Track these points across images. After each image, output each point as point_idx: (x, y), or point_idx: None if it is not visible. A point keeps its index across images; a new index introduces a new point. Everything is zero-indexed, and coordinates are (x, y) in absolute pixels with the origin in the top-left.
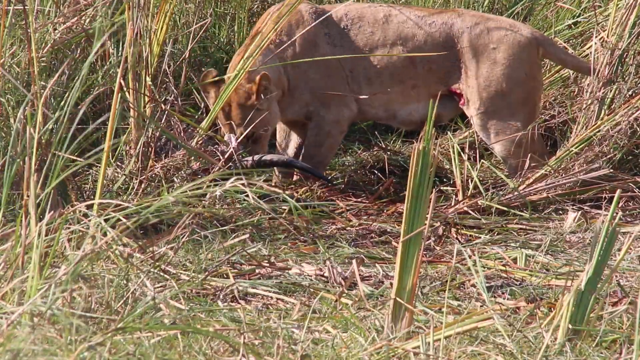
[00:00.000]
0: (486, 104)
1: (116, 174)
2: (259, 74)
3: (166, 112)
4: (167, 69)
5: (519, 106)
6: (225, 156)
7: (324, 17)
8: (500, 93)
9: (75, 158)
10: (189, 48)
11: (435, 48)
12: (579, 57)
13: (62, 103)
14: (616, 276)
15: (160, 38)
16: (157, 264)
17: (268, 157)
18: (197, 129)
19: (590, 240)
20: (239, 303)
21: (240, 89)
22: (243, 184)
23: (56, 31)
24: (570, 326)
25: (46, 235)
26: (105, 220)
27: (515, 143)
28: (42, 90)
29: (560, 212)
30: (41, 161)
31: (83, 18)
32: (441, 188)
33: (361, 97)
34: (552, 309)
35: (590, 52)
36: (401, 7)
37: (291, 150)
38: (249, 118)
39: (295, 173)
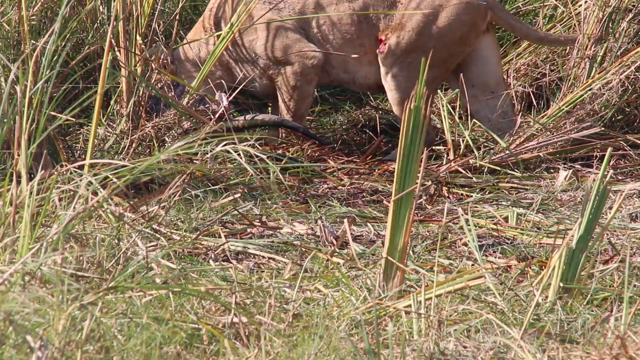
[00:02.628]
0: (405, 54)
1: (107, 134)
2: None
3: (157, 71)
4: (157, 27)
5: (433, 64)
6: (217, 116)
7: None
8: (425, 49)
9: (63, 116)
10: (180, 6)
11: (381, 3)
12: (528, 25)
13: (52, 61)
14: (607, 234)
15: None
16: (149, 223)
17: (259, 116)
18: (188, 88)
19: (581, 198)
20: (230, 262)
21: None
22: (234, 147)
23: None
24: (561, 284)
25: (37, 195)
26: (97, 180)
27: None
28: (32, 50)
29: (552, 170)
30: (32, 120)
31: None
32: (432, 147)
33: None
34: (543, 267)
35: (582, 10)
36: None
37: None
38: None
39: (282, 132)
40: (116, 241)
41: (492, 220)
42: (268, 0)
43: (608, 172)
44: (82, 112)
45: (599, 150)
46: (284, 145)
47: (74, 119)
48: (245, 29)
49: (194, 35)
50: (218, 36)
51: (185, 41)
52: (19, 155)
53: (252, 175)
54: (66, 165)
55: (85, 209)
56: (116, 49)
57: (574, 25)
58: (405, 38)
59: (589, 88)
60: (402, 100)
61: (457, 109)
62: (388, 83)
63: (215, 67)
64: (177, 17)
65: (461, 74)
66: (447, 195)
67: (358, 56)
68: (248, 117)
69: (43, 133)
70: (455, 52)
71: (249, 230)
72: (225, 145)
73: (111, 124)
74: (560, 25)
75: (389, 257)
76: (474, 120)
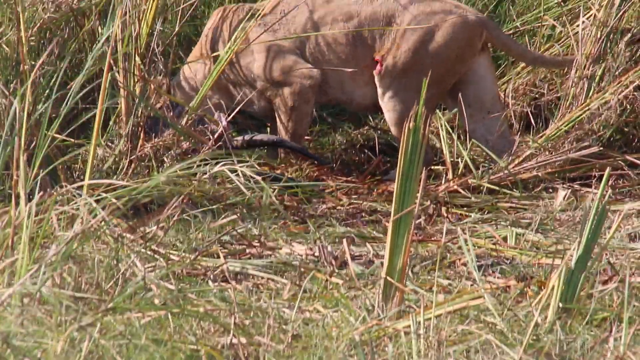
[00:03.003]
0: (401, 74)
1: (106, 154)
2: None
3: (156, 91)
4: (156, 48)
5: (431, 84)
6: (215, 136)
7: (254, 8)
8: (422, 69)
9: (64, 137)
10: (178, 27)
11: (376, 24)
12: (524, 45)
13: (51, 83)
14: (606, 254)
15: (150, 17)
16: (148, 244)
17: (258, 137)
18: (187, 109)
19: (580, 218)
20: (229, 283)
21: None
22: (232, 168)
23: (45, 10)
24: (560, 304)
25: (36, 216)
26: (96, 201)
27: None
28: (31, 70)
29: (551, 190)
30: (30, 141)
31: None
32: (431, 167)
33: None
34: (543, 287)
35: (580, 30)
36: None
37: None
38: None
39: (280, 152)
40: (115, 262)
41: (491, 240)
42: (263, 22)
43: (607, 191)
44: (81, 132)
45: (597, 170)
46: (283, 165)
47: (72, 140)
48: (242, 51)
49: (192, 59)
50: (215, 58)
51: (183, 66)
52: (18, 176)
53: (250, 195)
54: (65, 186)
55: (84, 230)
56: (115, 69)
57: (572, 45)
58: (402, 58)
59: (587, 108)
60: (399, 120)
61: (456, 129)
62: (385, 104)
63: (213, 90)
64: (176, 37)
65: (459, 94)
66: (446, 215)
67: (355, 75)
68: (247, 137)
69: (39, 154)
70: (451, 71)
71: (247, 250)
72: (223, 165)
73: (110, 144)
74: (559, 44)
75: (388, 278)
76: (472, 139)
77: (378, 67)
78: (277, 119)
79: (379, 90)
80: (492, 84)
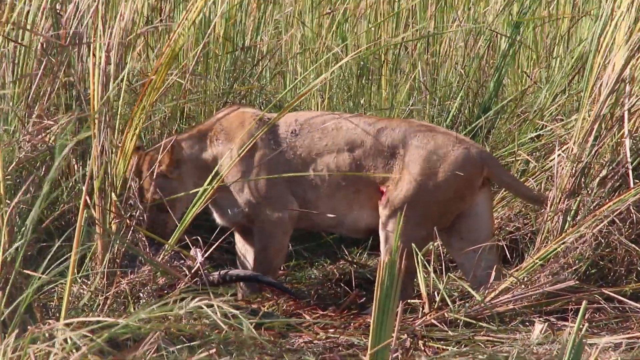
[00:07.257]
0: (403, 207)
1: (82, 291)
2: (171, 143)
3: (132, 227)
4: (133, 185)
5: (429, 219)
6: (192, 271)
7: (269, 122)
8: (423, 203)
9: (40, 275)
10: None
11: (380, 154)
12: (523, 183)
13: (26, 221)
14: None
15: (127, 154)
16: None
17: (234, 272)
18: (164, 245)
19: (557, 352)
20: None
21: (153, 156)
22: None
23: (21, 149)
24: None
25: (13, 354)
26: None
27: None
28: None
29: (527, 323)
30: (6, 279)
31: (48, 136)
32: (408, 300)
33: (297, 209)
34: None
35: (554, 164)
36: (350, 115)
37: (250, 259)
38: (159, 186)
39: (261, 286)
40: None
41: None
42: (272, 137)
43: (583, 325)
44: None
45: (574, 304)
46: (259, 299)
47: (49, 277)
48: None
49: (199, 138)
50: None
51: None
52: None
53: (226, 330)
54: (48, 324)
55: None
56: (91, 206)
57: (545, 179)
58: (404, 190)
59: (562, 242)
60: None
61: (432, 262)
62: (385, 233)
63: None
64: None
65: (455, 227)
66: (423, 348)
67: (349, 198)
68: (223, 272)
69: (19, 292)
70: (451, 208)
71: None
72: (200, 300)
73: (86, 280)
74: (533, 179)
75: None
76: (448, 274)
77: (383, 197)
78: (254, 247)
79: (382, 219)
80: (489, 220)
